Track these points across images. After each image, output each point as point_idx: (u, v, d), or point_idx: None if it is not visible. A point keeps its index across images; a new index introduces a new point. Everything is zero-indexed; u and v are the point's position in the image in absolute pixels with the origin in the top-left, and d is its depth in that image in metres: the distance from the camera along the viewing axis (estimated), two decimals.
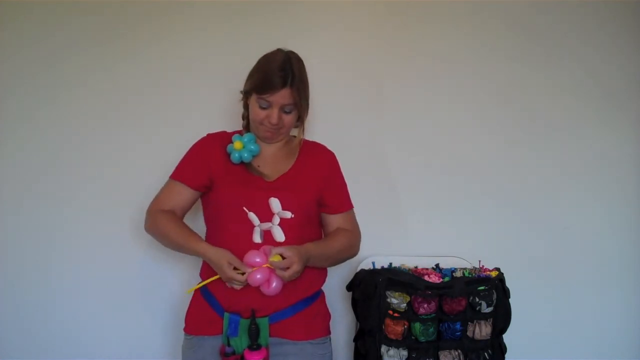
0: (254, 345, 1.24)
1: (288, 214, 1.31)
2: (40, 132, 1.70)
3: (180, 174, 1.38)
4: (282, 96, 1.28)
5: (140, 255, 1.71)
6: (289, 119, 1.34)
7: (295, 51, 1.38)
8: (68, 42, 1.69)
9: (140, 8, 1.70)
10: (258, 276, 1.18)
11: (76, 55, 1.70)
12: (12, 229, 1.69)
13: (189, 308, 1.39)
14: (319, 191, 1.38)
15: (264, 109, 1.31)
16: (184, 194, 1.37)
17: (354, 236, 1.44)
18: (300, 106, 1.33)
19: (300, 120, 1.39)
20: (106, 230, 1.70)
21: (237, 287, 1.24)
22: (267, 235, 1.29)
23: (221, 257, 1.23)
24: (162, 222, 1.35)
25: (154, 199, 1.40)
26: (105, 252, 1.70)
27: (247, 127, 1.45)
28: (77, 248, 1.69)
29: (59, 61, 1.69)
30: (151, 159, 1.71)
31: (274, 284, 1.20)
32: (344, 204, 1.44)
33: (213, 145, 1.40)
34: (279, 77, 1.26)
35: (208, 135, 1.44)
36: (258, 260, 1.19)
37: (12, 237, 1.69)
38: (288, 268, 1.19)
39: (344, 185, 1.47)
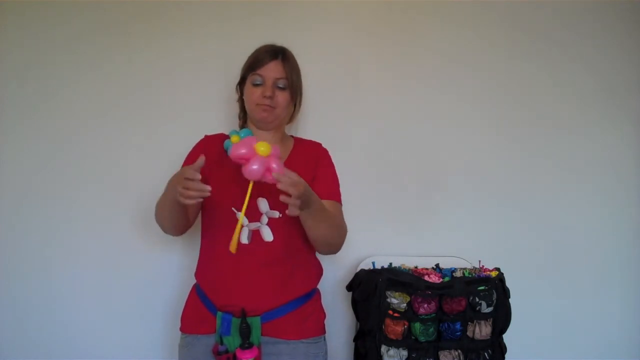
0: (245, 344, 1.25)
1: (276, 214, 1.31)
2: (39, 132, 1.69)
3: None
4: (273, 69, 1.35)
5: (139, 255, 1.71)
6: (282, 96, 1.36)
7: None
8: (66, 41, 1.69)
9: (137, 8, 1.71)
10: (255, 167, 1.09)
11: (74, 55, 1.70)
12: (11, 228, 1.69)
13: (184, 307, 1.40)
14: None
15: (257, 86, 1.35)
16: None
17: (341, 222, 1.36)
18: (292, 83, 1.36)
19: (292, 100, 1.40)
20: (105, 230, 1.70)
21: (187, 197, 1.11)
22: (255, 235, 1.30)
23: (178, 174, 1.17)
24: (157, 209, 1.34)
25: None
26: (104, 252, 1.70)
27: (243, 127, 1.48)
28: (76, 248, 1.69)
29: (56, 61, 1.69)
30: (150, 158, 1.71)
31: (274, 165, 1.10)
32: (332, 194, 1.38)
33: (211, 145, 1.42)
34: (268, 52, 1.37)
35: (206, 136, 1.47)
36: (244, 151, 1.10)
37: (11, 236, 1.69)
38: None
39: (334, 178, 1.43)
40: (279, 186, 1.10)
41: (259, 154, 1.12)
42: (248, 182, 1.26)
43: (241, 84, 1.43)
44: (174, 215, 1.29)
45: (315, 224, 1.25)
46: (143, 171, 1.70)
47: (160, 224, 1.35)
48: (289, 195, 1.10)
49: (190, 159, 1.41)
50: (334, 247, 1.36)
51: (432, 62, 1.80)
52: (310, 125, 1.70)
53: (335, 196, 1.39)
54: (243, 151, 1.11)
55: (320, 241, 1.31)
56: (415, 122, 1.80)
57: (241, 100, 1.47)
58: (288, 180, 1.09)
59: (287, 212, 1.14)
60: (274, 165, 1.12)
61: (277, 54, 1.37)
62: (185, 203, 1.14)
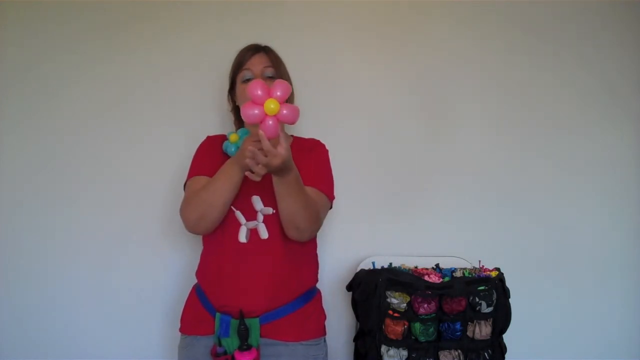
0: (244, 345, 1.24)
1: (270, 210, 1.31)
2: (39, 132, 1.70)
3: (197, 169, 1.38)
4: (259, 60, 1.39)
5: (139, 255, 1.71)
6: None
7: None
8: (66, 41, 1.70)
9: (137, 8, 1.71)
10: (256, 111, 1.05)
11: (74, 55, 1.70)
12: (11, 228, 1.69)
13: (184, 308, 1.40)
14: None
15: (248, 80, 1.36)
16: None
17: (316, 209, 1.27)
18: (280, 72, 1.39)
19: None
20: (105, 230, 1.70)
21: (258, 165, 1.11)
22: (253, 233, 1.30)
23: (242, 148, 1.20)
24: (196, 199, 1.27)
25: (182, 201, 1.34)
26: (104, 252, 1.70)
27: None
28: (75, 248, 1.69)
29: (56, 61, 1.70)
30: (150, 158, 1.71)
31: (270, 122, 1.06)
32: (318, 182, 1.32)
33: (213, 145, 1.43)
34: (251, 49, 1.42)
35: (208, 137, 1.48)
36: (260, 93, 1.05)
37: (11, 237, 1.69)
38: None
39: (325, 169, 1.40)
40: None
41: (264, 109, 1.05)
42: (248, 183, 1.26)
43: (231, 91, 1.45)
44: (231, 198, 1.26)
45: (284, 196, 1.20)
46: (143, 171, 1.71)
47: (206, 211, 1.25)
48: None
49: (198, 159, 1.41)
50: (301, 232, 1.26)
51: (432, 62, 1.80)
52: (310, 125, 1.70)
53: (321, 185, 1.33)
54: (259, 93, 1.05)
55: (287, 218, 1.23)
56: (415, 122, 1.80)
57: (235, 110, 1.48)
58: (265, 146, 1.06)
59: (246, 173, 1.18)
60: (270, 122, 1.06)
61: (259, 48, 1.42)
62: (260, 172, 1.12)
